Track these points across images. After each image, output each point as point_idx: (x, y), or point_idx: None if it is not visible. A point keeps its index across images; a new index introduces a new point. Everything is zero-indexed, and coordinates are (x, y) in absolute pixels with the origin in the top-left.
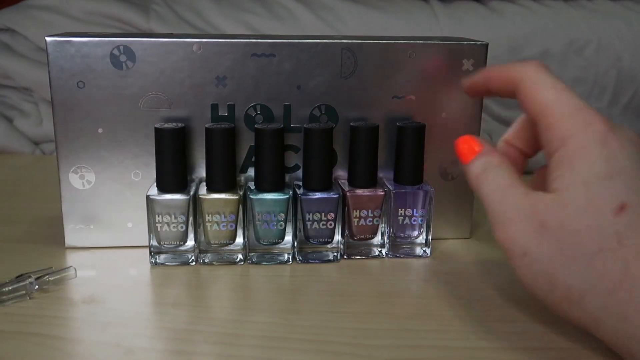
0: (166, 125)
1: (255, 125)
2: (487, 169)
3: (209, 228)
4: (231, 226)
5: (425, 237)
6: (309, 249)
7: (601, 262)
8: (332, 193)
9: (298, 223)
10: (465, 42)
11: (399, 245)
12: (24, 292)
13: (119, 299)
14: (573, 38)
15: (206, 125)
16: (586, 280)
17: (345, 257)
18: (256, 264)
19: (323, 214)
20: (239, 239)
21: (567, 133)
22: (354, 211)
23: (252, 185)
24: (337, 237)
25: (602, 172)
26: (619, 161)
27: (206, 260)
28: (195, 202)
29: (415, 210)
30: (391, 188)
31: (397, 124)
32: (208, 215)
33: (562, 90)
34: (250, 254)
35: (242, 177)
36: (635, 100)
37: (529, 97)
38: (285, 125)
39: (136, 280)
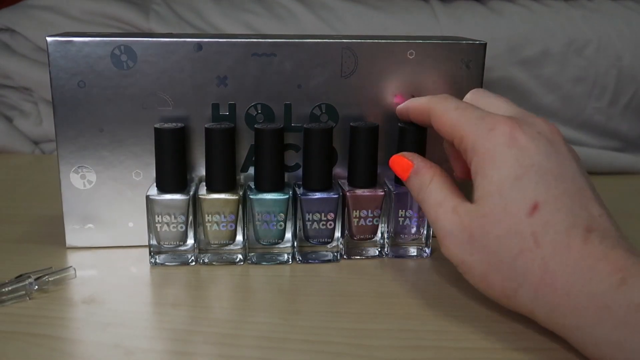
0: (166, 125)
1: (255, 125)
2: (421, 188)
3: (208, 228)
4: (231, 226)
5: (425, 237)
6: (308, 248)
7: (523, 263)
8: (332, 193)
9: (298, 223)
10: (464, 42)
11: (399, 245)
12: (23, 292)
13: (119, 299)
14: (573, 38)
15: (206, 125)
16: (514, 279)
17: (345, 257)
18: (256, 264)
19: (323, 214)
20: (239, 238)
21: (474, 141)
22: (354, 211)
23: (252, 185)
24: (337, 235)
25: (512, 174)
26: (528, 158)
27: (206, 260)
28: (195, 202)
29: (415, 210)
30: (392, 188)
31: (399, 124)
32: (208, 215)
33: (464, 108)
34: (250, 254)
35: (242, 177)
36: (635, 100)
37: (439, 124)
38: (285, 125)
39: (136, 280)
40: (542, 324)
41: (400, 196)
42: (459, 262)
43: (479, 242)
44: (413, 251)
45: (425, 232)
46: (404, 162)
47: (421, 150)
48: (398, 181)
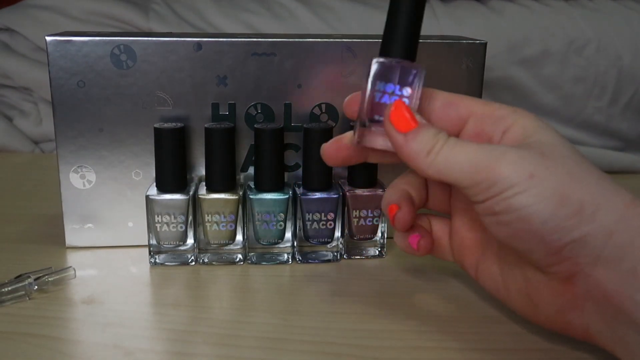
0: (165, 125)
1: (255, 125)
2: (439, 141)
3: (208, 228)
4: (231, 226)
5: None
6: (308, 248)
7: (612, 183)
8: (332, 193)
9: (298, 223)
10: (464, 41)
11: None
12: (23, 292)
13: (119, 299)
14: (573, 37)
15: (205, 125)
16: (601, 195)
17: (345, 257)
18: (256, 264)
19: (323, 214)
20: (239, 238)
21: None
22: (354, 211)
23: (251, 185)
24: (337, 234)
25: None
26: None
27: (206, 260)
28: (195, 202)
29: None
30: None
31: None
32: (208, 215)
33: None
34: (249, 254)
35: (242, 177)
36: (635, 100)
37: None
38: (285, 124)
39: (136, 280)
40: (611, 251)
41: None
42: (527, 175)
43: (556, 161)
44: None
45: None
46: (410, 114)
47: None
48: None
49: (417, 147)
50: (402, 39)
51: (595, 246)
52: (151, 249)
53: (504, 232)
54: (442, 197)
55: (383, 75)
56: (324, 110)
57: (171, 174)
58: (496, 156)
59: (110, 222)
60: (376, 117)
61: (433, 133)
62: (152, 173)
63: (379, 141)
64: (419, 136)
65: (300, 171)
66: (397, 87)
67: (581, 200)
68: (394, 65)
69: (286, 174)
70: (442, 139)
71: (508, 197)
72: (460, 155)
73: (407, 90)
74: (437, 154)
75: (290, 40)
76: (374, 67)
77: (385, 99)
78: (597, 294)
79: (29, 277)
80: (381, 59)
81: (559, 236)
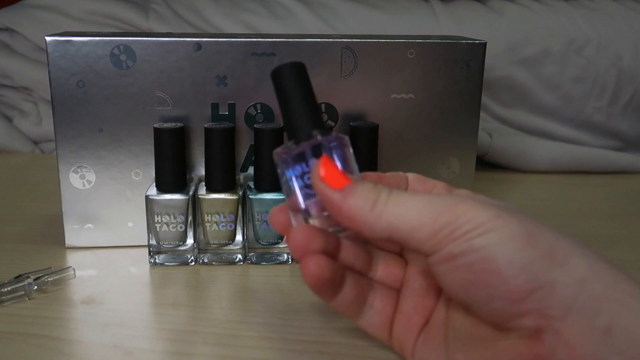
0: (165, 125)
1: (255, 125)
2: (382, 192)
3: (208, 228)
4: (230, 226)
5: None
6: None
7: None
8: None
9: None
10: (464, 41)
11: None
12: (22, 292)
13: (118, 299)
14: (573, 37)
15: (205, 125)
16: (571, 243)
17: None
18: (255, 264)
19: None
20: (239, 238)
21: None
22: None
23: (251, 185)
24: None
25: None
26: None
27: (205, 260)
28: (195, 202)
29: None
30: None
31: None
32: (207, 215)
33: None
34: (249, 254)
35: (242, 177)
36: (635, 100)
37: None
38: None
39: (135, 280)
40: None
41: None
42: (493, 215)
43: (513, 211)
44: None
45: None
46: (338, 172)
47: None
48: None
49: (358, 202)
50: (296, 120)
51: (566, 296)
52: (151, 249)
53: (460, 279)
54: (395, 265)
55: (292, 161)
56: (323, 110)
57: (171, 174)
58: (455, 201)
59: (110, 222)
60: (299, 205)
61: (371, 185)
62: (152, 173)
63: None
64: (358, 190)
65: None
66: (305, 166)
67: (552, 243)
68: (295, 148)
69: None
70: (384, 190)
71: (471, 238)
72: (412, 202)
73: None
74: (385, 204)
75: (290, 40)
76: (278, 159)
77: (296, 185)
78: (566, 355)
79: (29, 277)
80: (279, 149)
81: (525, 279)
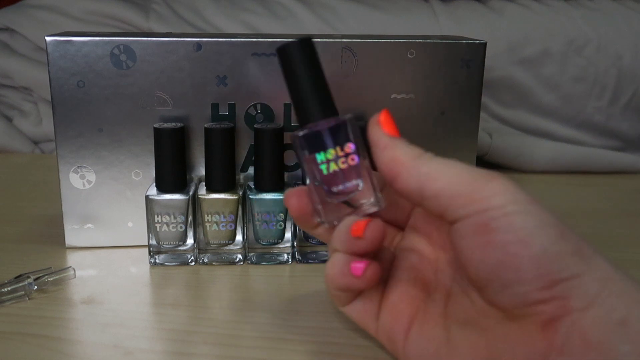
0: (165, 125)
1: (255, 125)
2: (427, 152)
3: (208, 228)
4: (230, 226)
5: None
6: (308, 248)
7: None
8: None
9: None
10: (464, 42)
11: None
12: (22, 292)
13: (118, 299)
14: (573, 37)
15: (205, 125)
16: (592, 246)
17: None
18: (256, 264)
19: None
20: (239, 238)
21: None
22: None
23: (251, 185)
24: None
25: None
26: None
27: (205, 260)
28: (195, 202)
29: None
30: None
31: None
32: (207, 215)
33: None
34: (249, 254)
35: (242, 177)
36: (635, 100)
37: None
38: (285, 124)
39: (135, 280)
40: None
41: None
42: (528, 199)
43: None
44: None
45: None
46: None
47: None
48: None
49: (405, 150)
50: (313, 101)
51: (591, 290)
52: (151, 249)
53: (492, 257)
54: (383, 259)
55: (316, 145)
56: None
57: (171, 174)
58: (492, 174)
59: (110, 222)
60: (334, 189)
61: (419, 148)
62: (152, 173)
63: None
64: (406, 143)
65: (300, 171)
66: (338, 148)
67: (579, 242)
68: (320, 130)
69: (286, 175)
70: (429, 153)
71: (509, 214)
72: (453, 163)
73: (351, 147)
74: (428, 159)
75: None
76: (300, 141)
77: (333, 167)
78: (578, 344)
79: (29, 277)
80: (303, 131)
81: (558, 268)
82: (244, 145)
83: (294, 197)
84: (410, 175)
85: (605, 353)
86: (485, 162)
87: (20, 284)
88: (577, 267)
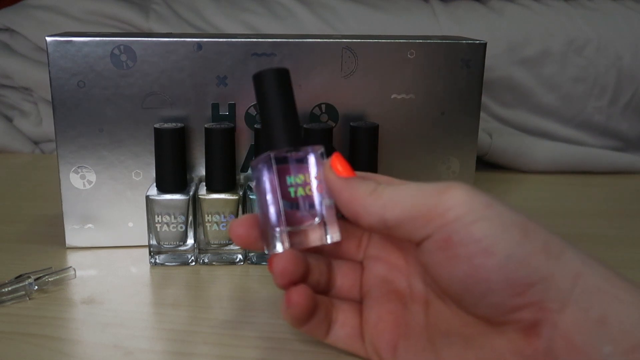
0: (165, 125)
1: (255, 125)
2: (382, 185)
3: (208, 228)
4: None
5: None
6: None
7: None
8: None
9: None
10: (464, 42)
11: None
12: (23, 292)
13: (119, 299)
14: (573, 37)
15: (205, 125)
16: (561, 240)
17: None
18: (256, 264)
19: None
20: None
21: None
22: None
23: (251, 185)
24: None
25: None
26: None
27: (206, 260)
28: (195, 202)
29: None
30: None
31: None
32: (208, 215)
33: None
34: (250, 254)
35: (242, 177)
36: (635, 100)
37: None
38: None
39: (136, 280)
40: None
41: None
42: (484, 203)
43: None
44: None
45: None
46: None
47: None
48: None
49: (360, 188)
50: (283, 129)
51: (563, 288)
52: (151, 249)
53: (459, 271)
54: (352, 275)
55: (284, 168)
56: (323, 111)
57: (171, 174)
58: (447, 185)
59: (111, 222)
60: (298, 214)
61: (373, 181)
62: (152, 173)
63: (314, 237)
64: (360, 180)
65: None
66: (307, 174)
67: (545, 237)
68: (288, 156)
69: None
70: (383, 185)
71: (468, 224)
72: (406, 187)
73: (312, 173)
74: (383, 190)
75: (290, 40)
76: (273, 162)
77: (300, 192)
78: (562, 346)
79: (29, 277)
80: (273, 153)
81: (525, 273)
82: (244, 145)
83: (241, 227)
84: (369, 212)
85: (589, 355)
86: (485, 162)
87: (21, 284)
88: (546, 268)
